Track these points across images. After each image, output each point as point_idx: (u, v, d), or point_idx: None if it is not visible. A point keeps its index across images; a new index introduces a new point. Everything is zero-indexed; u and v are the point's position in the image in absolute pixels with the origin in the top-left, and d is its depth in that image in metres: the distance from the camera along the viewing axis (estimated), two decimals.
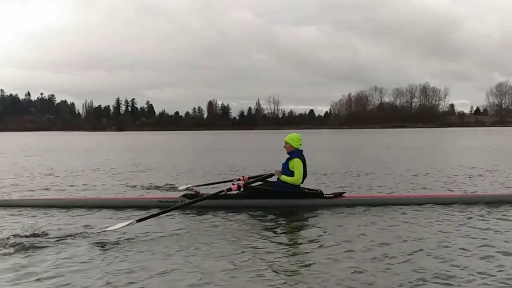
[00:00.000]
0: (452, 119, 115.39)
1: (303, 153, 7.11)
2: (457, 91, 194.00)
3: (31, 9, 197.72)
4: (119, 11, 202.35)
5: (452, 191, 8.65)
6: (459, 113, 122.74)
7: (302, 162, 6.94)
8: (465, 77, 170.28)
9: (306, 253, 4.62)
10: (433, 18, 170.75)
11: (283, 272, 4.03)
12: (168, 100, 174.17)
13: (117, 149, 27.99)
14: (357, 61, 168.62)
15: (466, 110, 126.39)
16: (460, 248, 4.66)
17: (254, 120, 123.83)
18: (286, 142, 7.09)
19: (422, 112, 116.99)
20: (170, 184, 9.71)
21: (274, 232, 5.51)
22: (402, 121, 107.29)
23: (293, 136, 7.11)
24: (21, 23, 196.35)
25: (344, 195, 7.26)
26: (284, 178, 6.90)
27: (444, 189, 8.91)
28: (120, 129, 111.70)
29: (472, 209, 6.59)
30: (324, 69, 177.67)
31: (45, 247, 4.80)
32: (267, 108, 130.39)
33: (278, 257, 4.46)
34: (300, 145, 7.12)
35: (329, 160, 17.11)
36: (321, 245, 4.86)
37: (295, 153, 7.00)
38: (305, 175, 7.02)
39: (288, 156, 7.07)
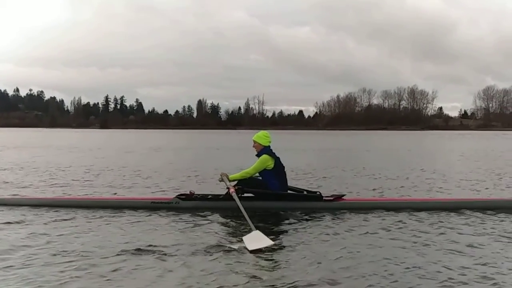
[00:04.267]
0: (437, 122, 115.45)
1: (281, 158, 6.96)
2: (450, 94, 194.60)
3: (24, 4, 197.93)
4: (113, 9, 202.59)
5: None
6: (445, 115, 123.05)
7: (274, 158, 6.80)
8: (458, 81, 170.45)
9: (304, 257, 4.47)
10: (427, 21, 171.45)
11: (278, 277, 3.93)
12: (161, 98, 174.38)
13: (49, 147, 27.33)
14: (351, 63, 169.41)
15: (457, 114, 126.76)
16: (464, 254, 4.60)
17: (239, 120, 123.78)
18: (255, 141, 6.96)
19: (407, 114, 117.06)
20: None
21: (271, 235, 5.29)
22: (387, 124, 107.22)
23: (260, 134, 7.00)
24: (14, 18, 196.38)
25: (344, 197, 7.04)
26: (233, 176, 6.70)
27: (445, 194, 8.79)
28: (103, 126, 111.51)
29: (471, 214, 6.47)
30: (318, 70, 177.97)
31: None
32: (257, 108, 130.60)
33: (274, 261, 4.37)
34: (269, 142, 6.97)
35: (317, 161, 17.06)
36: (319, 249, 4.74)
37: (263, 150, 6.86)
38: (281, 171, 6.85)
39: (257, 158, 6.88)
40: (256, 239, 4.91)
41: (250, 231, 5.21)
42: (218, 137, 50.10)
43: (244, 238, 5.02)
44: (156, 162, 16.41)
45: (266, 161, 6.74)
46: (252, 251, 4.66)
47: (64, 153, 21.74)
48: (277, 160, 6.85)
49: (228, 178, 6.67)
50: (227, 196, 6.54)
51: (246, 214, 5.65)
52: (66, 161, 16.33)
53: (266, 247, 4.76)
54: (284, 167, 6.94)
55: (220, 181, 6.82)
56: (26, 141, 36.03)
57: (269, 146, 6.96)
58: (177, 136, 54.74)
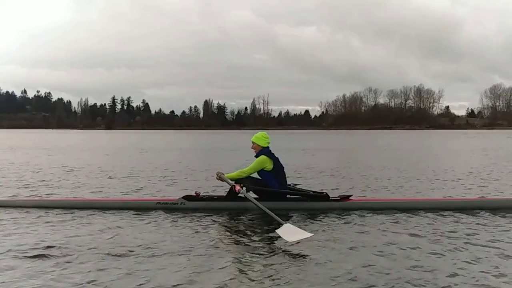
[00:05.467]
0: (442, 121, 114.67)
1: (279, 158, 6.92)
2: (458, 93, 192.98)
3: (31, 5, 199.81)
4: (119, 9, 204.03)
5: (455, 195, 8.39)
6: (451, 114, 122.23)
7: (272, 159, 6.76)
8: (466, 79, 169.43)
9: (309, 258, 4.42)
10: (433, 20, 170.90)
11: (283, 277, 3.88)
12: (168, 99, 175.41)
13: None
14: (357, 62, 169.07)
15: (465, 113, 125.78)
16: (471, 256, 4.45)
17: (244, 120, 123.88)
18: (253, 142, 6.91)
19: (412, 114, 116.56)
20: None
21: (277, 236, 5.19)
22: (392, 123, 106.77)
23: (259, 135, 6.95)
24: (21, 19, 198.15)
25: (351, 198, 6.92)
26: (229, 175, 6.65)
27: (458, 193, 8.60)
28: (109, 127, 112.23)
29: (482, 215, 6.32)
30: (324, 70, 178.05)
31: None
32: (262, 108, 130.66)
33: (280, 261, 4.31)
34: (268, 143, 6.93)
35: (328, 161, 17.00)
36: (326, 250, 4.66)
37: (262, 151, 6.83)
38: (281, 172, 6.81)
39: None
40: (292, 232, 4.94)
41: (278, 225, 5.25)
42: (218, 138, 49.93)
43: (278, 231, 5.05)
44: (129, 163, 16.12)
45: (264, 162, 6.71)
46: (292, 243, 4.74)
47: (50, 154, 21.82)
48: (276, 160, 6.80)
49: (220, 175, 6.68)
50: (231, 195, 6.57)
51: (266, 209, 5.66)
52: (46, 162, 16.49)
53: (305, 239, 4.79)
54: (283, 167, 6.90)
55: (218, 180, 6.75)
56: (21, 142, 35.92)
57: (267, 147, 6.92)
58: (176, 137, 54.04)
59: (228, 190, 6.71)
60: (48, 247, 4.80)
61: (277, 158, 6.87)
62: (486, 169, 13.33)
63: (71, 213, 6.59)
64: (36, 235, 5.33)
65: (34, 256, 4.49)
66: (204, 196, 6.98)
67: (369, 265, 4.19)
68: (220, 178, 6.67)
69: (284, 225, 5.21)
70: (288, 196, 6.81)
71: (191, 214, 6.42)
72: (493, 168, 13.80)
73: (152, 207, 6.79)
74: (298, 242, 4.80)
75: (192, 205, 6.72)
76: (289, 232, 4.97)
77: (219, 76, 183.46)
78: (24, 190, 9.21)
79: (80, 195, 8.44)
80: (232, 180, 6.64)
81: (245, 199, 6.32)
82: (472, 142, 35.24)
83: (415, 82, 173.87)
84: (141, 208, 6.77)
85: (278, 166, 6.80)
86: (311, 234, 4.93)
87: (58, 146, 29.61)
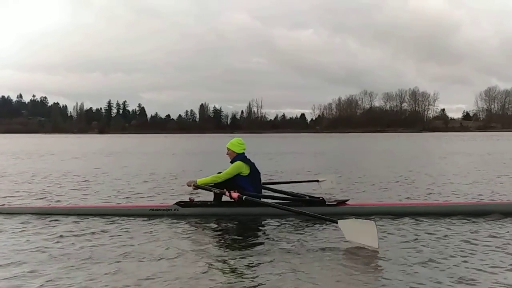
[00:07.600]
0: (436, 124, 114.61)
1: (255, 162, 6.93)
2: (455, 95, 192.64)
3: (28, 10, 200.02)
4: (116, 14, 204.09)
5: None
6: (445, 117, 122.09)
7: (249, 165, 6.75)
8: (463, 82, 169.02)
9: (305, 265, 4.36)
10: (431, 22, 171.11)
11: (277, 285, 3.84)
12: (164, 102, 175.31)
13: None
14: (354, 65, 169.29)
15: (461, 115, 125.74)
16: (471, 262, 4.42)
17: (238, 124, 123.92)
18: (228, 149, 6.88)
19: (406, 116, 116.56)
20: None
21: (271, 242, 5.22)
22: (386, 126, 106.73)
23: (234, 142, 6.95)
24: (17, 24, 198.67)
25: (347, 202, 6.85)
26: (202, 180, 6.57)
27: (454, 197, 8.47)
28: (102, 132, 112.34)
29: (479, 219, 6.23)
30: (321, 73, 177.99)
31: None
32: (257, 112, 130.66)
33: (274, 269, 4.25)
34: (243, 149, 6.90)
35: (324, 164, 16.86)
36: (322, 257, 4.61)
37: (237, 158, 6.81)
38: (257, 177, 6.81)
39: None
40: (361, 230, 4.80)
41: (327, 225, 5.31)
42: (208, 141, 49.59)
43: (348, 238, 4.92)
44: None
45: (240, 167, 6.69)
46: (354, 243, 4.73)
47: (21, 159, 21.86)
48: (252, 166, 6.80)
49: (197, 184, 6.55)
50: (220, 201, 6.62)
51: (300, 210, 5.65)
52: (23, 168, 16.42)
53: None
54: (260, 173, 6.91)
55: (195, 189, 6.62)
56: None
57: (243, 153, 6.89)
58: (166, 141, 54.05)
59: (213, 196, 6.68)
60: (40, 253, 4.80)
61: (253, 163, 6.85)
62: (484, 173, 13.24)
63: (58, 220, 6.45)
64: (26, 242, 5.27)
65: (26, 262, 4.50)
66: (198, 202, 6.88)
67: (369, 271, 4.18)
68: (198, 186, 6.55)
69: (341, 222, 4.96)
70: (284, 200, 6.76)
71: (186, 221, 6.36)
72: (484, 172, 13.63)
73: (146, 213, 6.73)
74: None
75: (186, 211, 6.65)
76: (356, 231, 4.80)
77: (216, 79, 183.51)
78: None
79: (76, 202, 8.28)
80: (207, 185, 6.57)
81: (239, 204, 6.27)
82: (462, 145, 35.31)
83: (412, 84, 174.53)
84: (134, 215, 6.70)
85: (254, 172, 6.80)
86: (373, 222, 4.84)
87: (35, 151, 29.41)
